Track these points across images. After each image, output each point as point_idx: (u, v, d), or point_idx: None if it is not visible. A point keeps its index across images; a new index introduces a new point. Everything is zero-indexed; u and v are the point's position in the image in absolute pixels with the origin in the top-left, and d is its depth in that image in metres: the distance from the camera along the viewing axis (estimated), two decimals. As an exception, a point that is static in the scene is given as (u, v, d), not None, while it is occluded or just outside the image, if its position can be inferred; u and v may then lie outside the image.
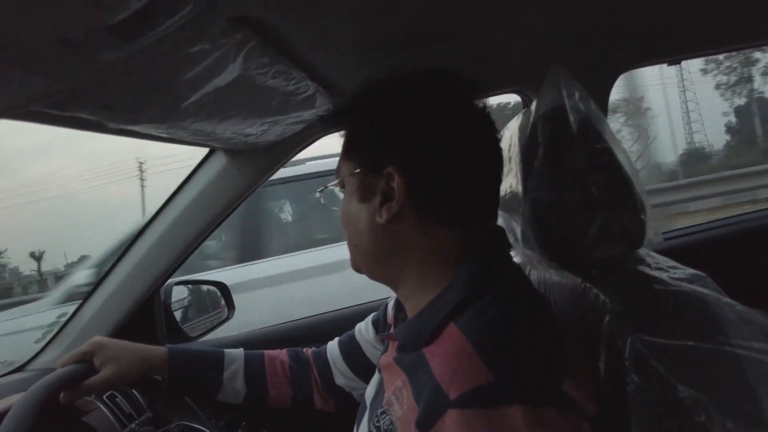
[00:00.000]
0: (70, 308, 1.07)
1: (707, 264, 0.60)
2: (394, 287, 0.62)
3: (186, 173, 0.99)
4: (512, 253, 0.74)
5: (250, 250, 2.39)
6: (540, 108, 0.64)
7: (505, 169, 0.72)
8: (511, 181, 0.71)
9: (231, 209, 0.99)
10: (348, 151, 0.60)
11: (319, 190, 0.70)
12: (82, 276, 2.53)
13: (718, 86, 19.12)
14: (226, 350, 0.85)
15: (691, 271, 0.57)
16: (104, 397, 0.87)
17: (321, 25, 0.63)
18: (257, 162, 0.96)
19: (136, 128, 0.62)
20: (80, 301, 1.02)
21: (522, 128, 0.68)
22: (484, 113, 0.59)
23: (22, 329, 2.40)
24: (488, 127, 0.59)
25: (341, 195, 0.64)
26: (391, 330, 0.72)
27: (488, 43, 0.84)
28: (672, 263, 0.61)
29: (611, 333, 0.54)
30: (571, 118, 0.60)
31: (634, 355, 0.50)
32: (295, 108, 0.77)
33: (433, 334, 0.52)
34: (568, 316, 0.64)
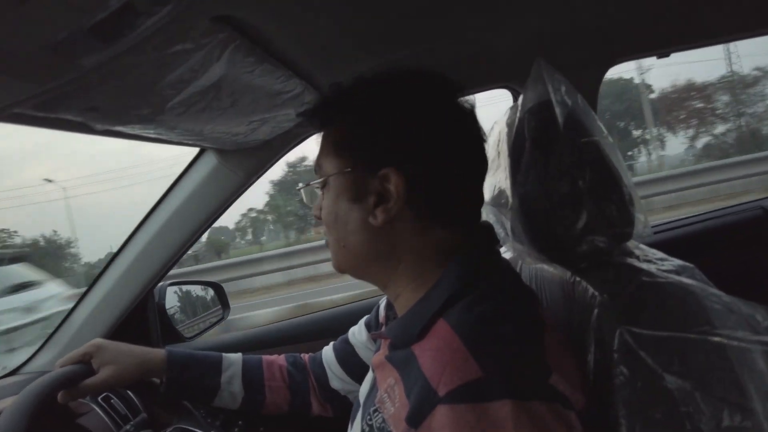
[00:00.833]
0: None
1: (695, 256, 0.60)
2: (383, 286, 0.61)
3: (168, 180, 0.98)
4: (503, 249, 0.75)
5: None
6: (527, 103, 0.64)
7: (494, 165, 0.72)
8: (500, 177, 0.71)
9: (223, 209, 0.99)
10: (336, 148, 0.58)
11: (299, 187, 0.67)
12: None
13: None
14: (224, 354, 0.84)
15: (678, 262, 0.58)
16: (99, 398, 0.87)
17: (306, 23, 0.62)
18: (248, 161, 0.95)
19: (123, 129, 0.62)
20: (73, 304, 1.02)
21: (510, 123, 0.68)
22: (472, 113, 0.59)
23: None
24: (476, 127, 0.59)
25: (318, 192, 0.62)
26: (383, 329, 0.72)
27: (477, 39, 0.84)
28: (660, 255, 0.61)
29: (600, 326, 0.54)
30: (558, 112, 0.60)
31: (622, 347, 0.51)
32: (284, 106, 0.77)
33: (422, 331, 0.53)
34: (559, 309, 0.64)
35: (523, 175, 0.63)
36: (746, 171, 7.38)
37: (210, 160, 0.95)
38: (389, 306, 0.72)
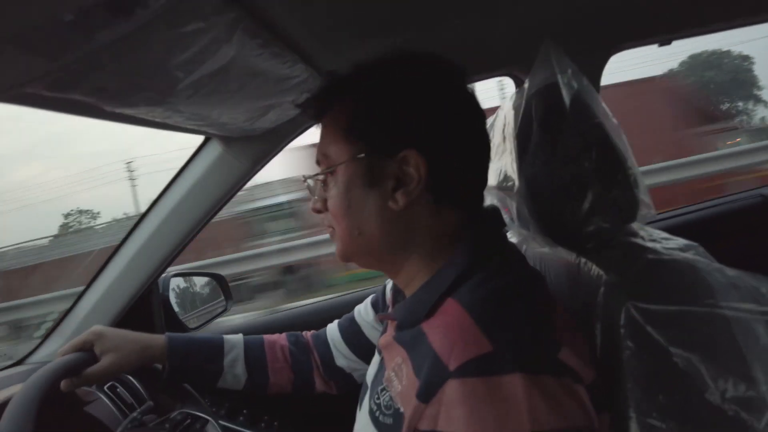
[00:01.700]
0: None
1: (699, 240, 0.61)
2: (395, 274, 0.61)
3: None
4: (508, 234, 0.76)
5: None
6: (533, 86, 0.65)
7: (500, 149, 0.73)
8: (506, 161, 0.71)
9: (227, 198, 0.99)
10: (346, 134, 0.56)
11: (307, 176, 0.62)
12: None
13: None
14: (225, 336, 0.85)
15: (683, 241, 0.59)
16: (105, 387, 0.88)
17: (313, 6, 0.63)
18: (253, 149, 0.95)
19: (131, 111, 0.62)
20: (79, 294, 1.02)
21: (516, 107, 0.69)
22: (474, 95, 0.60)
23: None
24: (480, 108, 0.60)
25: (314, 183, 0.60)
26: (389, 310, 0.73)
27: (480, 26, 0.85)
28: (665, 235, 0.62)
29: (606, 303, 0.55)
30: (564, 94, 0.61)
31: (629, 322, 0.51)
32: (289, 92, 0.77)
33: (431, 310, 0.53)
34: (564, 291, 0.65)
35: (531, 157, 0.63)
36: None
37: (215, 149, 0.95)
38: (397, 288, 0.72)
